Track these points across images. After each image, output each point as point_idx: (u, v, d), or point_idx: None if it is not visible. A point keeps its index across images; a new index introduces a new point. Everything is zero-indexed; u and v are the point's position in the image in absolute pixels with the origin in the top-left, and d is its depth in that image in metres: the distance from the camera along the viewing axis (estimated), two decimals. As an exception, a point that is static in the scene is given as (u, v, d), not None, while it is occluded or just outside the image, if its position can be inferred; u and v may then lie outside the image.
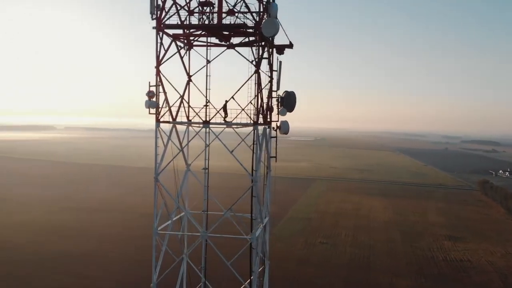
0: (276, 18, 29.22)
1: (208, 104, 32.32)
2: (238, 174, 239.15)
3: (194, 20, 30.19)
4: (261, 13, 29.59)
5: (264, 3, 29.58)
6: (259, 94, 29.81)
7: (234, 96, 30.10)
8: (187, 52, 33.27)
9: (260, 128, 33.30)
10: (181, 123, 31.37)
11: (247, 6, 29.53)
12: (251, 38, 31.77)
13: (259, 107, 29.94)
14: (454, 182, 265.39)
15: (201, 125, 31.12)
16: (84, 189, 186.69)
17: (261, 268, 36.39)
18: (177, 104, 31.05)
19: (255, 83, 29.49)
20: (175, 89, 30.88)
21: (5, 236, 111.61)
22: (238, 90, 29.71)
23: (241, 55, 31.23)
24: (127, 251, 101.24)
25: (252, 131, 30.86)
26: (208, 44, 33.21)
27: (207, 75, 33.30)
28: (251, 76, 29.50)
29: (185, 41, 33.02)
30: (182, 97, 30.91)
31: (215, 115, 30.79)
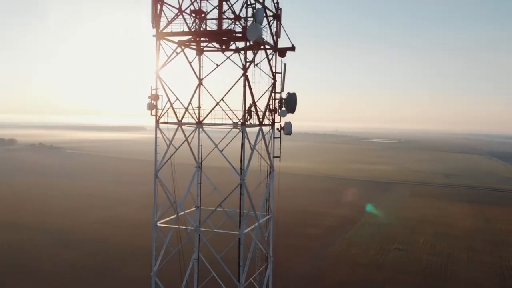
0: (261, 23, 30.94)
1: (201, 106, 34.51)
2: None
3: (187, 27, 32.68)
4: (248, 19, 31.27)
5: (252, 9, 31.19)
6: (246, 96, 31.31)
7: (234, 99, 32.18)
8: (198, 56, 35.80)
9: (266, 129, 34.98)
10: (175, 123, 33.76)
11: (234, 12, 31.83)
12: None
13: (245, 109, 31.41)
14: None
15: (195, 125, 33.71)
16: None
17: (264, 266, 37.71)
18: (177, 105, 33.60)
19: (243, 86, 31.09)
20: (172, 93, 33.25)
21: (94, 229, 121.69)
22: (227, 93, 31.88)
23: (232, 60, 33.51)
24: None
25: (253, 132, 32.99)
26: (212, 49, 35.35)
27: (200, 78, 35.67)
28: (238, 80, 31.36)
29: (195, 46, 35.55)
30: (177, 99, 33.43)
31: (206, 116, 32.80)
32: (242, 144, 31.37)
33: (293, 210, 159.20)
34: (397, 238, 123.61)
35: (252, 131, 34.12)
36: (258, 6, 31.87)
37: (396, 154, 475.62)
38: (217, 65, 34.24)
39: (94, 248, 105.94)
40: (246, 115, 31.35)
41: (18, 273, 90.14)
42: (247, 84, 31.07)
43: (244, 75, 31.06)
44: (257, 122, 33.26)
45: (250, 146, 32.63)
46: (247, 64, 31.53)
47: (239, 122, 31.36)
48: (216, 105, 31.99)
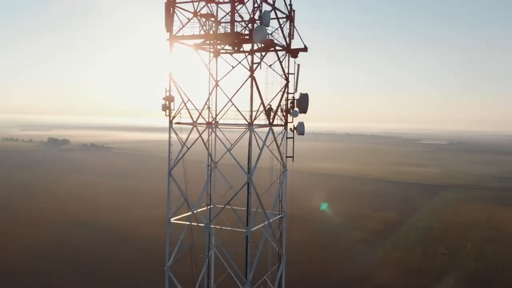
0: (268, 25, 31.50)
1: (210, 106, 35.02)
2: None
3: (197, 31, 33.55)
4: (257, 22, 31.83)
5: (259, 12, 31.77)
6: (253, 97, 31.88)
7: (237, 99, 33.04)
8: (215, 59, 36.77)
9: (279, 129, 35.52)
10: (188, 123, 34.68)
11: (240, 16, 32.66)
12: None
13: (252, 110, 32.03)
14: None
15: (205, 126, 34.57)
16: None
17: (276, 265, 37.90)
18: (189, 106, 34.49)
19: (250, 87, 31.68)
20: (184, 94, 34.10)
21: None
22: (234, 94, 32.76)
23: (240, 62, 33.67)
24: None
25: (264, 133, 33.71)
26: (228, 51, 35.97)
27: (209, 80, 36.49)
28: (245, 81, 31.99)
29: (211, 49, 36.39)
30: (189, 100, 34.31)
31: (215, 116, 33.63)
32: (249, 144, 32.03)
33: (335, 212, 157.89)
34: (444, 242, 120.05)
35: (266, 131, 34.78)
36: (268, 8, 32.52)
37: (447, 156, 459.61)
38: (233, 67, 34.94)
39: (142, 245, 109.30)
40: (256, 115, 32.21)
41: (64, 267, 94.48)
42: (254, 85, 31.70)
43: (251, 76, 31.66)
44: (266, 122, 33.82)
45: (259, 146, 33.20)
46: (254, 66, 32.22)
47: (248, 122, 32.12)
48: (225, 106, 32.91)
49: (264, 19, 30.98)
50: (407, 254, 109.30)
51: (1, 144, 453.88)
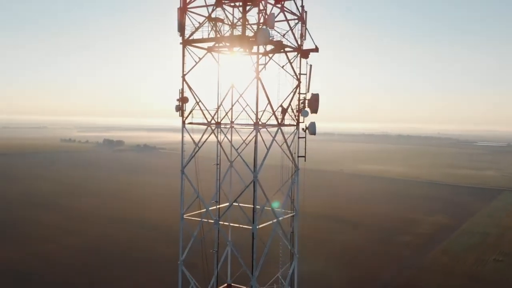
0: (273, 27, 31.97)
1: (221, 107, 35.32)
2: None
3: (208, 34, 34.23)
4: (261, 24, 32.27)
5: (264, 14, 32.15)
6: (260, 98, 32.19)
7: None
8: (223, 61, 37.40)
9: (291, 128, 35.74)
10: (200, 124, 35.45)
11: (246, 19, 32.91)
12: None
13: (258, 110, 32.35)
14: None
15: (214, 125, 35.16)
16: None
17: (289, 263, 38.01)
18: (202, 107, 35.21)
19: (256, 88, 32.02)
20: (196, 95, 34.93)
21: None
22: (241, 95, 33.69)
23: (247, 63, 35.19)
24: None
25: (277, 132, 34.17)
26: (240, 53, 36.45)
27: (218, 81, 36.96)
28: (250, 82, 32.48)
29: (221, 51, 36.97)
30: (200, 101, 35.10)
31: (223, 117, 34.30)
32: (255, 143, 32.62)
33: (385, 216, 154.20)
34: (499, 249, 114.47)
35: (286, 131, 35.20)
36: (277, 10, 32.98)
37: (505, 158, 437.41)
38: (260, 68, 35.23)
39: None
40: (262, 115, 32.80)
41: (110, 263, 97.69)
42: (261, 86, 32.06)
43: (257, 77, 32.04)
44: (275, 122, 34.08)
45: (266, 146, 33.44)
46: (260, 67, 32.81)
47: (255, 122, 32.59)
48: (232, 107, 34.08)
49: (269, 22, 31.39)
50: (460, 259, 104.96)
51: (59, 145, 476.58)
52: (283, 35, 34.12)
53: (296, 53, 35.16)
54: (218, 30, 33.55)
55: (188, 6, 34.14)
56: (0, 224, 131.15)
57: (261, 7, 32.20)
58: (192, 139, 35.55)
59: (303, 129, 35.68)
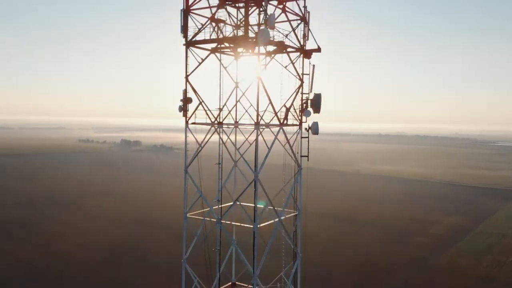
0: (273, 28, 32.28)
1: (223, 107, 35.82)
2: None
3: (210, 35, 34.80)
4: (262, 24, 32.71)
5: (265, 15, 32.31)
6: (261, 98, 32.63)
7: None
8: (224, 61, 38.04)
9: (294, 128, 36.09)
10: (203, 124, 36.10)
11: (249, 20, 33.60)
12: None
13: (259, 110, 32.74)
14: None
15: (216, 126, 35.72)
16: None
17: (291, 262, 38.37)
18: (210, 107, 36.00)
19: (257, 88, 32.44)
20: (199, 95, 35.56)
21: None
22: (242, 95, 34.24)
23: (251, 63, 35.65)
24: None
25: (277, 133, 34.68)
26: (243, 54, 36.89)
27: (221, 82, 37.57)
28: (251, 83, 33.14)
29: (224, 52, 37.61)
30: (203, 101, 35.85)
31: (225, 116, 34.80)
32: (256, 143, 32.92)
33: (401, 217, 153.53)
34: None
35: (289, 131, 35.72)
36: (277, 11, 33.33)
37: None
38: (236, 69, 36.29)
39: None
40: (263, 115, 33.30)
41: (125, 264, 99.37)
42: (262, 86, 32.42)
43: (258, 78, 32.46)
44: (277, 122, 34.38)
45: (267, 145, 33.93)
46: (261, 67, 33.20)
47: (255, 122, 33.02)
48: (233, 107, 34.71)
49: (269, 22, 31.69)
50: (476, 261, 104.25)
51: (77, 145, 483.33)
52: (286, 36, 34.36)
53: (298, 53, 35.49)
54: (220, 31, 34.00)
55: (191, 8, 34.72)
56: (25, 222, 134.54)
57: (262, 8, 32.46)
58: (195, 139, 36.16)
59: (306, 129, 36.03)
